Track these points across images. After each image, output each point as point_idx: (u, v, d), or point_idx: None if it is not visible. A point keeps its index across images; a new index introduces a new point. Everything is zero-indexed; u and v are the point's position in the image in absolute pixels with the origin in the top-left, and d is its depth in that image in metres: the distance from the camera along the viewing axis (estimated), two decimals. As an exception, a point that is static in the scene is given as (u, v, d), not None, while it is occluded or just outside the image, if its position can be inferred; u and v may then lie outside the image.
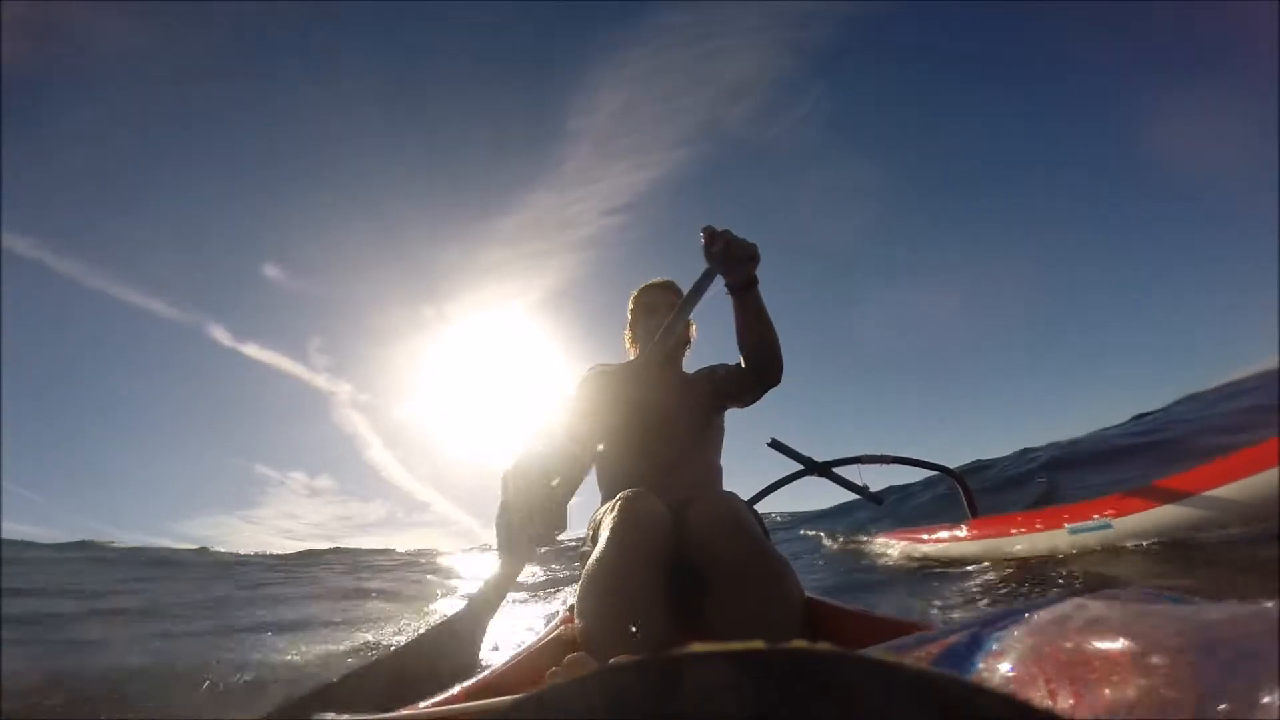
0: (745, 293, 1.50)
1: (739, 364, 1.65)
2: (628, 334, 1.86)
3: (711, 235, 1.41)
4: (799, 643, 0.23)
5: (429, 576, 10.22)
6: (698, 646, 0.23)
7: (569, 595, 1.53)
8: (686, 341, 1.84)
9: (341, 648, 3.45)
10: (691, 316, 1.60)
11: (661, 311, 1.71)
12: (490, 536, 1.36)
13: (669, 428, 1.66)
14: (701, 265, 1.47)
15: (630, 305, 1.86)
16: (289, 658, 3.20)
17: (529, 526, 1.15)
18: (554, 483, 1.24)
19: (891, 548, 4.87)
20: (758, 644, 0.23)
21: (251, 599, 6.43)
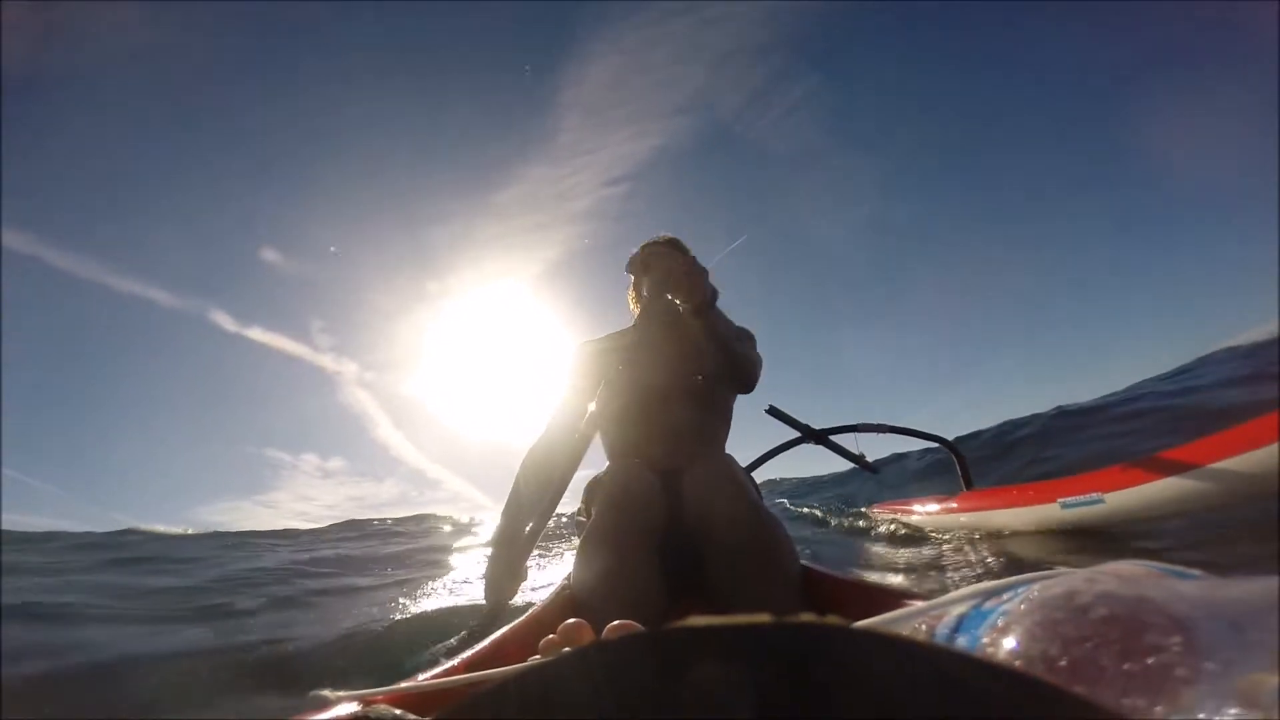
0: (695, 319, 1.45)
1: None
2: (630, 294, 1.83)
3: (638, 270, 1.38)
4: (806, 616, 0.22)
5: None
6: (701, 619, 0.22)
7: (568, 563, 1.54)
8: None
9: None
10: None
11: (661, 272, 1.61)
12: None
13: (665, 399, 1.63)
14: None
15: (632, 271, 1.77)
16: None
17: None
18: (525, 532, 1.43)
19: (878, 518, 4.92)
20: (763, 617, 0.22)
21: (348, 557, 6.36)
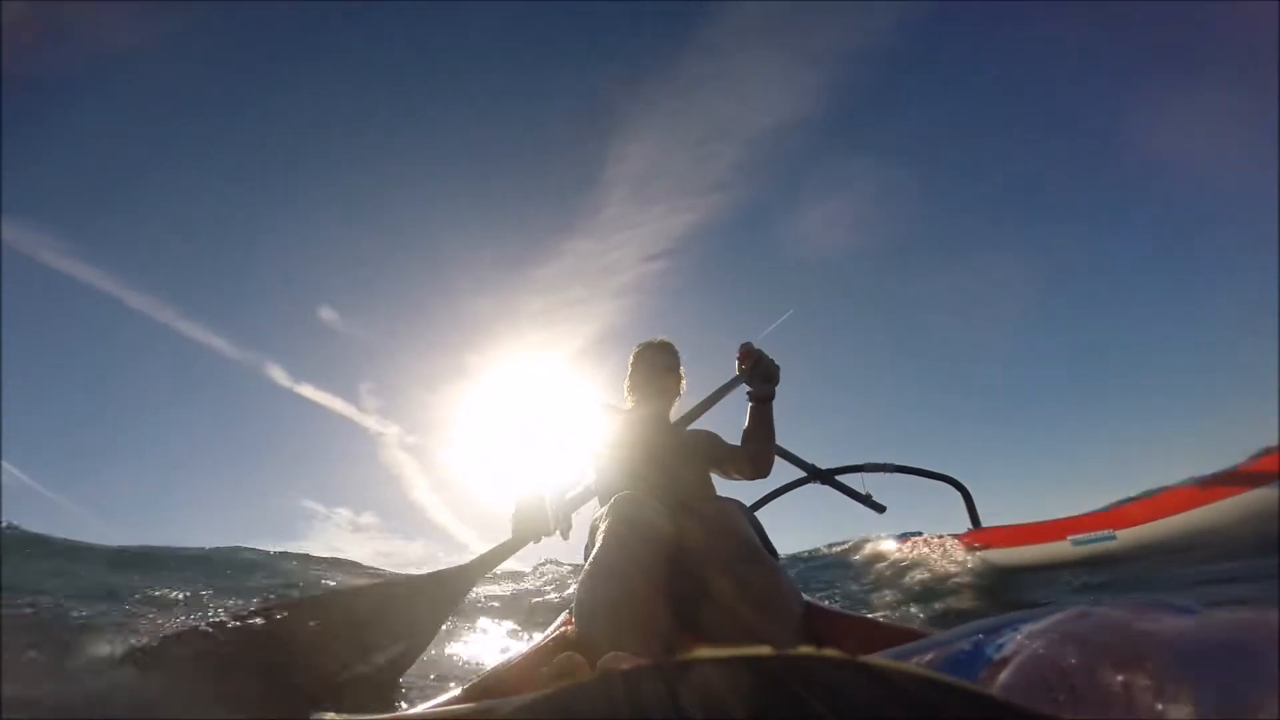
0: (761, 405, 1.78)
1: (734, 447, 1.85)
2: (627, 383, 2.00)
3: (747, 354, 1.74)
4: (806, 649, 0.23)
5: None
6: (704, 651, 0.23)
7: (571, 599, 1.54)
8: (676, 394, 1.98)
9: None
10: (684, 372, 1.97)
11: (660, 371, 1.93)
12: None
13: (668, 453, 1.76)
14: (727, 370, 1.82)
15: (630, 361, 2.00)
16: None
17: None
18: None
19: (894, 555, 4.84)
20: (764, 649, 0.23)
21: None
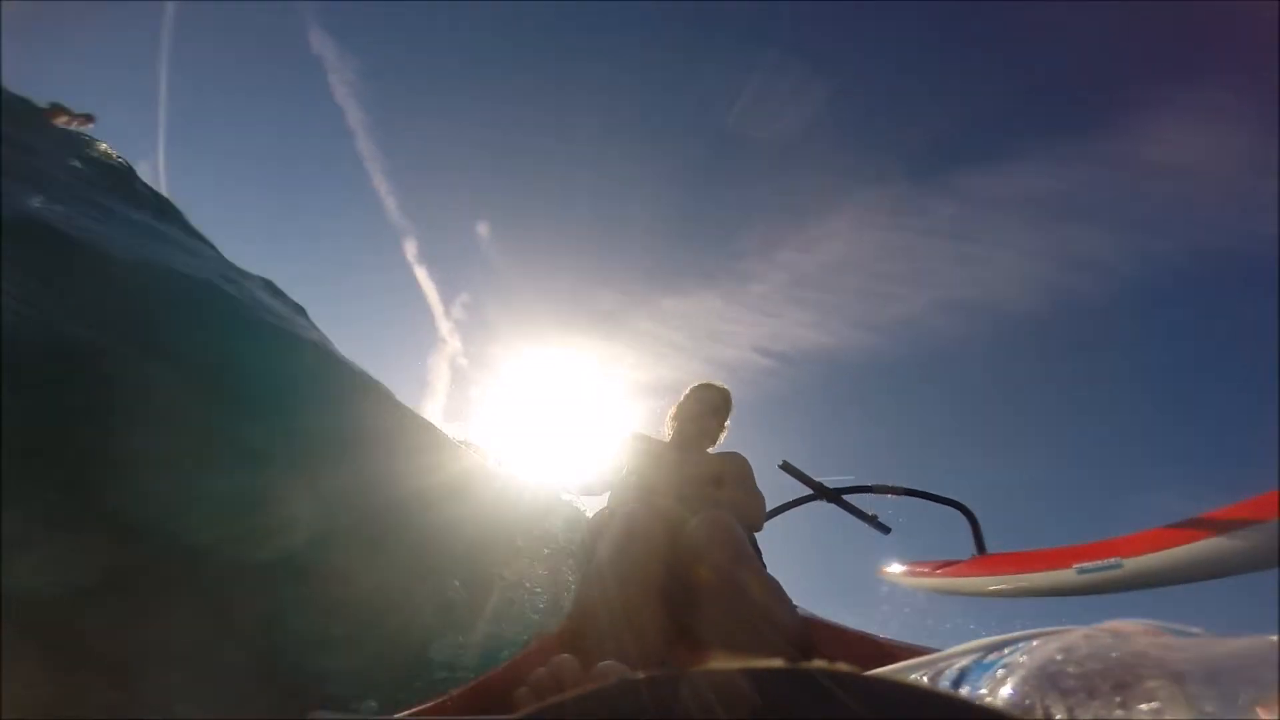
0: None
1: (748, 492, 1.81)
2: (673, 411, 2.05)
3: None
4: (819, 663, 0.24)
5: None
6: (718, 663, 0.23)
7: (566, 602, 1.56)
8: (715, 440, 2.02)
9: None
10: (729, 424, 2.01)
11: (711, 410, 1.98)
12: None
13: (689, 472, 1.78)
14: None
15: (686, 393, 2.06)
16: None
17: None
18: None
19: (892, 579, 4.79)
20: (776, 662, 0.23)
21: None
